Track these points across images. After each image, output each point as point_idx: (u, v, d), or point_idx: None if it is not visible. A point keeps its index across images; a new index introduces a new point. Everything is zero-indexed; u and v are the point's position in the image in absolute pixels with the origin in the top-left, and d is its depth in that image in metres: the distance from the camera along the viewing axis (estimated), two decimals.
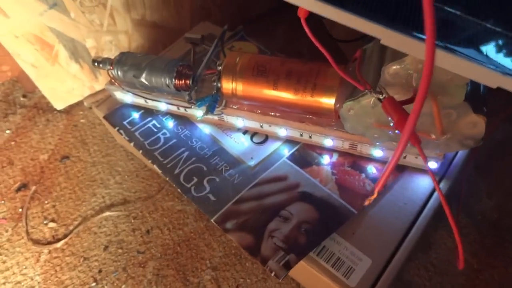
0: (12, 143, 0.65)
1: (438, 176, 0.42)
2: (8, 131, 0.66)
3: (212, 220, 0.40)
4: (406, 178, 0.42)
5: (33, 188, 0.59)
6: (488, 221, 0.47)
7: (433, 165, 0.40)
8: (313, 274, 0.37)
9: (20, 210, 0.57)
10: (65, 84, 0.64)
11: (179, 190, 0.44)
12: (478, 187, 0.50)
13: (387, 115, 0.31)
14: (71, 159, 0.62)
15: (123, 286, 0.49)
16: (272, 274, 0.36)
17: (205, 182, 0.44)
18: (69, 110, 0.69)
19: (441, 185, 0.41)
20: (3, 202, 0.58)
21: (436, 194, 0.40)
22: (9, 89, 0.74)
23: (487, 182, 0.50)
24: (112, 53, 0.66)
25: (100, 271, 0.50)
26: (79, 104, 0.69)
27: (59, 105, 0.67)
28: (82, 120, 0.67)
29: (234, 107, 0.45)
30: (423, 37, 0.25)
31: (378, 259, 0.37)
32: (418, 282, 0.44)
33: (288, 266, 0.36)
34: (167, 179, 0.45)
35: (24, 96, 0.72)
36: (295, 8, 0.30)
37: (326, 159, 0.44)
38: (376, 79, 0.34)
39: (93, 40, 0.63)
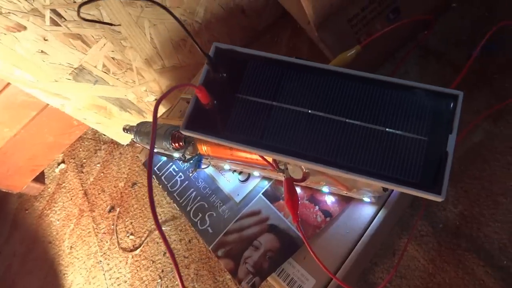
0: (102, 174, 0.90)
1: (378, 206, 0.49)
2: (98, 165, 0.91)
3: (209, 249, 0.56)
4: (351, 209, 0.50)
5: (118, 209, 0.83)
6: (448, 230, 0.52)
7: (367, 199, 0.48)
8: None
9: (112, 226, 0.82)
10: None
11: (190, 224, 0.60)
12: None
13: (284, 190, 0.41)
14: (138, 184, 0.84)
15: (177, 282, 0.70)
16: None
17: (206, 217, 0.59)
18: (133, 143, 0.90)
19: (380, 213, 0.48)
20: (102, 220, 0.84)
21: (374, 222, 0.48)
22: None
23: (455, 190, 0.54)
24: (148, 98, 0.83)
25: (162, 271, 0.72)
26: None
27: (124, 141, 0.89)
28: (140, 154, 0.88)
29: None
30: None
31: (320, 280, 0.48)
32: (381, 284, 0.53)
33: (254, 286, 0.51)
34: (182, 214, 0.62)
35: (105, 134, 0.96)
36: None
37: None
38: None
39: (133, 93, 0.80)
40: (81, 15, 0.61)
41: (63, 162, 0.97)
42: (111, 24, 0.60)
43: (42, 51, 0.65)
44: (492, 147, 0.54)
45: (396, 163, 0.35)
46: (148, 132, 0.62)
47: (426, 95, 0.37)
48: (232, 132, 0.39)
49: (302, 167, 0.41)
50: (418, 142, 0.35)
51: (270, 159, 0.44)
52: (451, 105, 0.36)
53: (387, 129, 0.36)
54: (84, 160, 0.94)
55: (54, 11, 0.61)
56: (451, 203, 0.54)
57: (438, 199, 0.34)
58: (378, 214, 0.49)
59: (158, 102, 0.31)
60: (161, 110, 0.85)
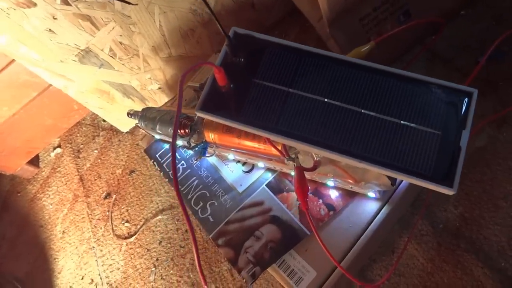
0: (99, 160, 0.89)
1: (382, 202, 0.49)
2: (95, 151, 0.90)
3: (209, 237, 0.56)
4: (355, 204, 0.50)
5: (114, 196, 0.82)
6: (448, 230, 0.53)
7: (371, 195, 0.48)
8: (276, 280, 0.51)
9: (107, 213, 0.81)
10: (125, 114, 0.84)
11: (190, 212, 0.60)
12: (446, 196, 0.55)
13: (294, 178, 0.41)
14: (136, 172, 0.83)
15: (171, 271, 0.69)
16: (244, 281, 0.51)
17: (207, 205, 0.59)
18: (133, 131, 0.89)
19: (384, 209, 0.49)
20: (97, 206, 0.83)
21: (377, 218, 0.48)
22: (95, 114, 0.97)
23: (457, 192, 0.54)
24: (152, 86, 0.82)
25: (157, 259, 0.71)
26: None
27: (124, 129, 0.88)
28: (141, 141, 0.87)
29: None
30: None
31: (322, 272, 0.48)
32: (379, 280, 0.54)
33: (254, 276, 0.50)
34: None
35: (104, 120, 0.95)
36: None
37: None
38: None
39: (137, 80, 0.80)
40: None
41: (59, 146, 0.96)
42: (128, 3, 0.60)
43: (50, 30, 0.64)
44: (495, 151, 0.55)
45: (409, 155, 0.35)
46: (153, 117, 0.62)
47: (441, 91, 0.37)
48: (248, 116, 0.39)
49: (314, 155, 0.41)
50: (432, 136, 0.36)
51: (279, 147, 0.44)
52: (466, 102, 0.36)
53: (401, 122, 0.36)
54: (81, 146, 0.93)
55: None
56: (452, 204, 0.54)
57: (450, 192, 0.34)
58: (382, 210, 0.49)
59: (184, 74, 0.31)
60: (165, 98, 0.84)
